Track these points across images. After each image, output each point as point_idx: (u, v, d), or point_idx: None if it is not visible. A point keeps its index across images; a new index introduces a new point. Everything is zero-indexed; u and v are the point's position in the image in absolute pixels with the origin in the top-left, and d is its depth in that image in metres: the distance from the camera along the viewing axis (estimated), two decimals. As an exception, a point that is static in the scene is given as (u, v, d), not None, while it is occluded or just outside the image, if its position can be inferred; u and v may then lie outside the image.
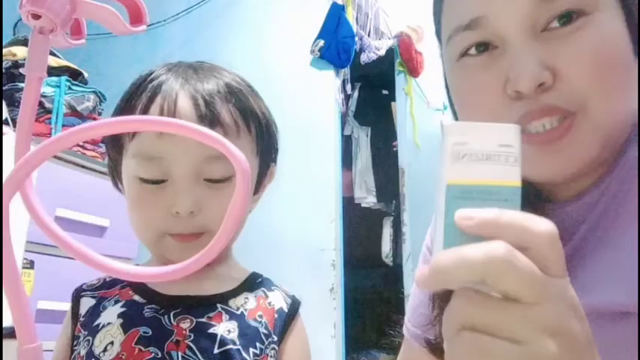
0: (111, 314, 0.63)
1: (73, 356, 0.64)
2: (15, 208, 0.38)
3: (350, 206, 3.17)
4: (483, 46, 0.56)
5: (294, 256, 2.38)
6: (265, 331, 0.64)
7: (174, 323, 0.61)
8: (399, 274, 3.00)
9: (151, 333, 0.61)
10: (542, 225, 0.35)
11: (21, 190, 0.40)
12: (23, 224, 1.49)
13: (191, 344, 0.60)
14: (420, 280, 0.37)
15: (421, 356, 0.74)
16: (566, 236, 0.59)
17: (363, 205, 3.47)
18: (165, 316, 0.62)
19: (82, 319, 0.65)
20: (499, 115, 0.55)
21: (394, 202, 3.38)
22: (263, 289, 0.69)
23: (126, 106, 0.65)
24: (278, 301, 0.68)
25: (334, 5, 2.57)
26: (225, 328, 0.62)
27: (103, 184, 1.90)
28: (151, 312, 0.63)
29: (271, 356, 0.63)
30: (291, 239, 2.41)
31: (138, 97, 0.64)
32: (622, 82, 0.53)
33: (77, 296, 0.67)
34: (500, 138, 0.38)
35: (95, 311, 0.65)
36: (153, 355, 0.59)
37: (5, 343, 0.93)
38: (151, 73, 0.66)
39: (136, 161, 0.62)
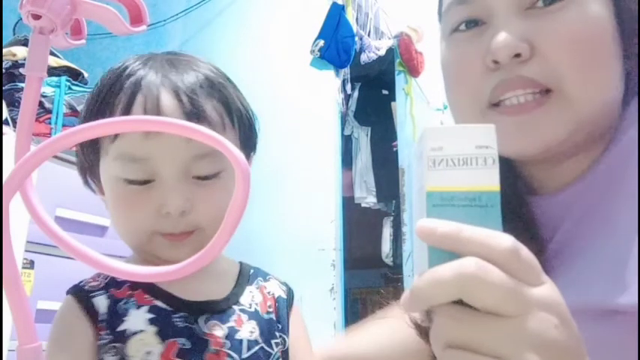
0: (139, 320, 0.59)
1: None
2: (15, 208, 0.38)
3: (350, 206, 3.17)
4: (473, 23, 0.59)
5: (294, 256, 2.37)
6: (274, 320, 0.65)
7: (207, 331, 0.60)
8: (399, 274, 3.00)
9: (190, 346, 0.58)
10: (501, 241, 0.35)
11: (21, 190, 0.40)
12: (23, 224, 1.49)
13: (229, 352, 0.59)
14: (402, 303, 0.37)
15: (397, 312, 0.76)
16: (550, 230, 0.59)
17: (363, 205, 3.47)
18: (196, 325, 0.60)
19: (102, 317, 0.60)
20: (477, 85, 0.57)
21: (394, 202, 3.38)
22: (259, 278, 0.69)
23: (101, 106, 0.62)
24: (276, 289, 0.69)
25: (334, 5, 2.57)
26: (247, 330, 0.62)
27: (103, 184, 1.90)
28: (182, 321, 0.60)
29: (280, 343, 0.64)
30: (291, 239, 2.41)
31: (116, 95, 0.61)
32: (600, 65, 0.55)
33: (85, 296, 0.61)
34: (476, 139, 0.37)
35: (115, 313, 0.60)
36: None
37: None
38: (126, 69, 0.62)
39: (119, 163, 0.60)
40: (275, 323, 0.65)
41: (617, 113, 0.58)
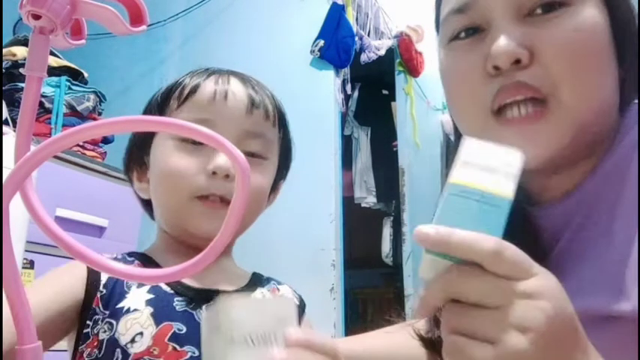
0: (137, 299, 0.59)
1: (89, 337, 0.58)
2: (15, 208, 0.38)
3: (350, 206, 3.17)
4: (472, 30, 0.60)
5: (294, 256, 2.37)
6: None
7: None
8: (399, 274, 3.00)
9: (185, 330, 0.59)
10: (487, 243, 0.39)
11: (21, 190, 0.40)
12: (23, 224, 1.49)
13: None
14: (415, 313, 0.44)
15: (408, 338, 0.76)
16: (553, 239, 0.60)
17: (363, 205, 3.48)
18: (197, 311, 0.61)
19: (102, 289, 0.60)
20: (478, 92, 0.58)
21: (394, 202, 3.38)
22: (273, 282, 0.71)
23: (171, 91, 0.67)
24: (288, 295, 0.70)
25: (334, 5, 2.57)
26: None
27: (102, 184, 1.90)
28: (182, 305, 0.60)
29: None
30: (291, 239, 2.41)
31: (180, 89, 0.66)
32: (595, 71, 0.56)
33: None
34: (505, 157, 0.43)
35: (117, 289, 0.60)
36: (190, 354, 0.57)
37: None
38: (182, 79, 0.68)
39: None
40: None
41: (614, 120, 0.59)
